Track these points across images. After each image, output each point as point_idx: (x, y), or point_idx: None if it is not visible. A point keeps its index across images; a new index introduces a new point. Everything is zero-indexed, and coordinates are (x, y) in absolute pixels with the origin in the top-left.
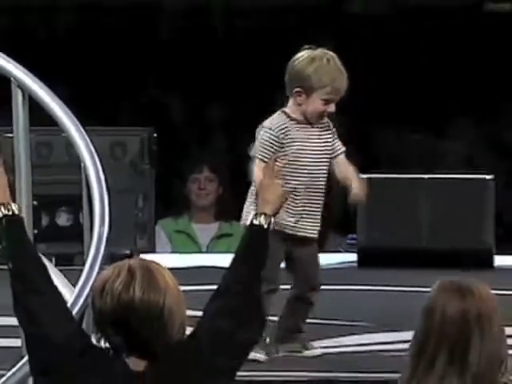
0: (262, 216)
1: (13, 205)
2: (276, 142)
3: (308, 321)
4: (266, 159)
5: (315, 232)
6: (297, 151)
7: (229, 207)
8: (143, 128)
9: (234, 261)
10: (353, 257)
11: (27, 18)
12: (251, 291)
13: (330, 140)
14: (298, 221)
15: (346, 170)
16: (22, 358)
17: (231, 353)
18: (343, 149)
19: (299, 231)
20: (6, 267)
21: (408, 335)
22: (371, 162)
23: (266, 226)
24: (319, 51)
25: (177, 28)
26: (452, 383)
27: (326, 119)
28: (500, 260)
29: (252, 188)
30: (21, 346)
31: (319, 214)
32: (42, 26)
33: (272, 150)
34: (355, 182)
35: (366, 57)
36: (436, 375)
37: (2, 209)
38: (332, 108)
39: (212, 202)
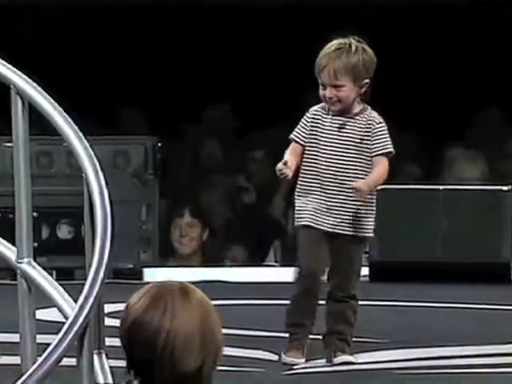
0: None
1: None
2: (306, 124)
3: (318, 337)
4: (295, 138)
5: (344, 229)
6: (314, 138)
7: (215, 252)
8: (147, 136)
9: None
10: (365, 271)
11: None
12: None
13: (363, 136)
14: (318, 214)
15: (372, 170)
16: None
17: None
18: (383, 151)
19: (321, 225)
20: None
21: (421, 352)
22: None
23: None
24: (342, 39)
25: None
26: None
27: (371, 115)
28: None
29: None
30: None
31: (347, 210)
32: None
33: (302, 131)
34: (367, 178)
35: None
36: None
37: None
38: (327, 93)
39: (195, 248)
